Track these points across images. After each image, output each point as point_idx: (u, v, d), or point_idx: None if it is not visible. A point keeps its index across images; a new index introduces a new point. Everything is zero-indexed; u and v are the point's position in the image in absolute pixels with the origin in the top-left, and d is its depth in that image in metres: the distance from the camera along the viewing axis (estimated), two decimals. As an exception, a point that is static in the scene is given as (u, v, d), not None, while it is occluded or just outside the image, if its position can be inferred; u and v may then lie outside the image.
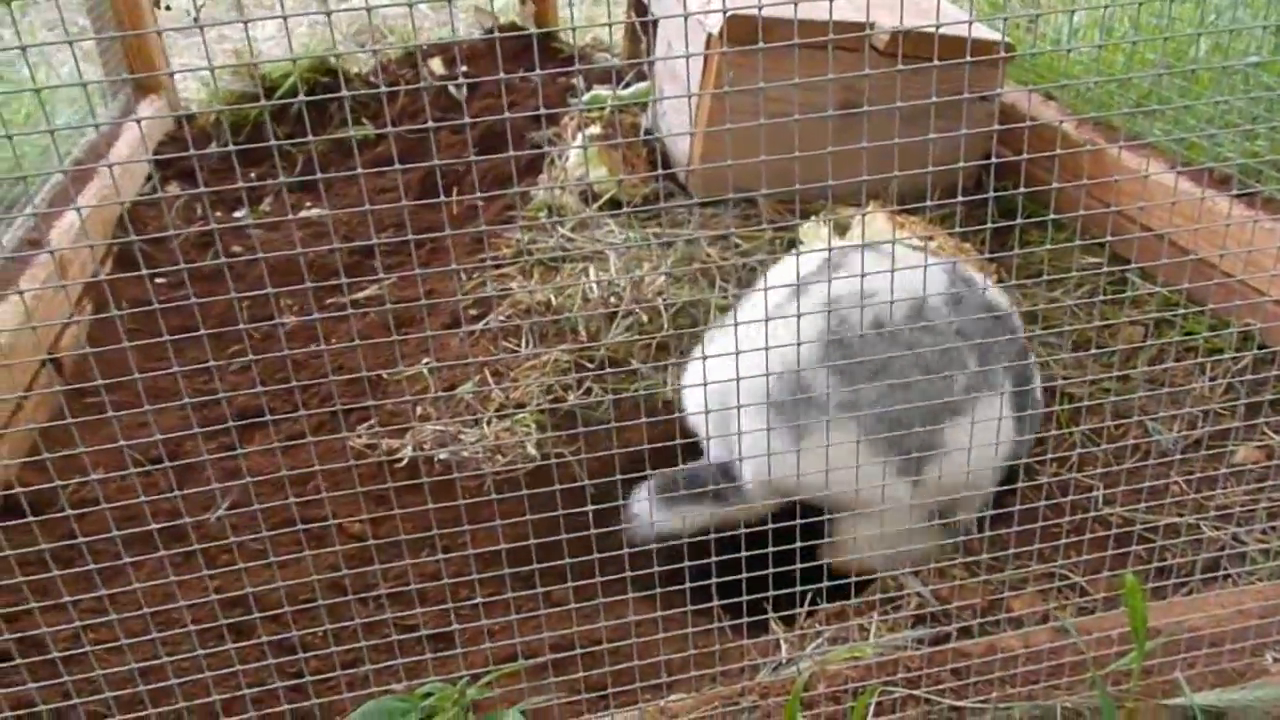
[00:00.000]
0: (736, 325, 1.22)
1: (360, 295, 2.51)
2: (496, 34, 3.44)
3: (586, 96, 3.10)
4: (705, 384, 1.28)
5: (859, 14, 1.52)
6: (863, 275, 1.24)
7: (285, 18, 1.01)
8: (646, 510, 1.65)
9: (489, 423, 2.00)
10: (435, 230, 2.70)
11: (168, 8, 3.32)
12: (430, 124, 1.02)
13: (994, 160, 1.35)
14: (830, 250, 1.66)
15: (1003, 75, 2.50)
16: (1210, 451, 1.82)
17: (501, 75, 1.01)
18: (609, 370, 2.09)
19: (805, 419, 1.54)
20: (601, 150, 2.71)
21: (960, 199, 1.18)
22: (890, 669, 1.39)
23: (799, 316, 1.26)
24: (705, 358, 1.71)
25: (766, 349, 1.22)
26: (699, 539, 1.58)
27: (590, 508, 1.21)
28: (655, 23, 3.01)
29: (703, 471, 1.72)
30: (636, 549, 1.53)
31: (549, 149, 2.88)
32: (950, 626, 1.52)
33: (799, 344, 1.27)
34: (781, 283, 1.64)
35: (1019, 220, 1.23)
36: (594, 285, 2.30)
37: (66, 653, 1.33)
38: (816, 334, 1.55)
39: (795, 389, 1.55)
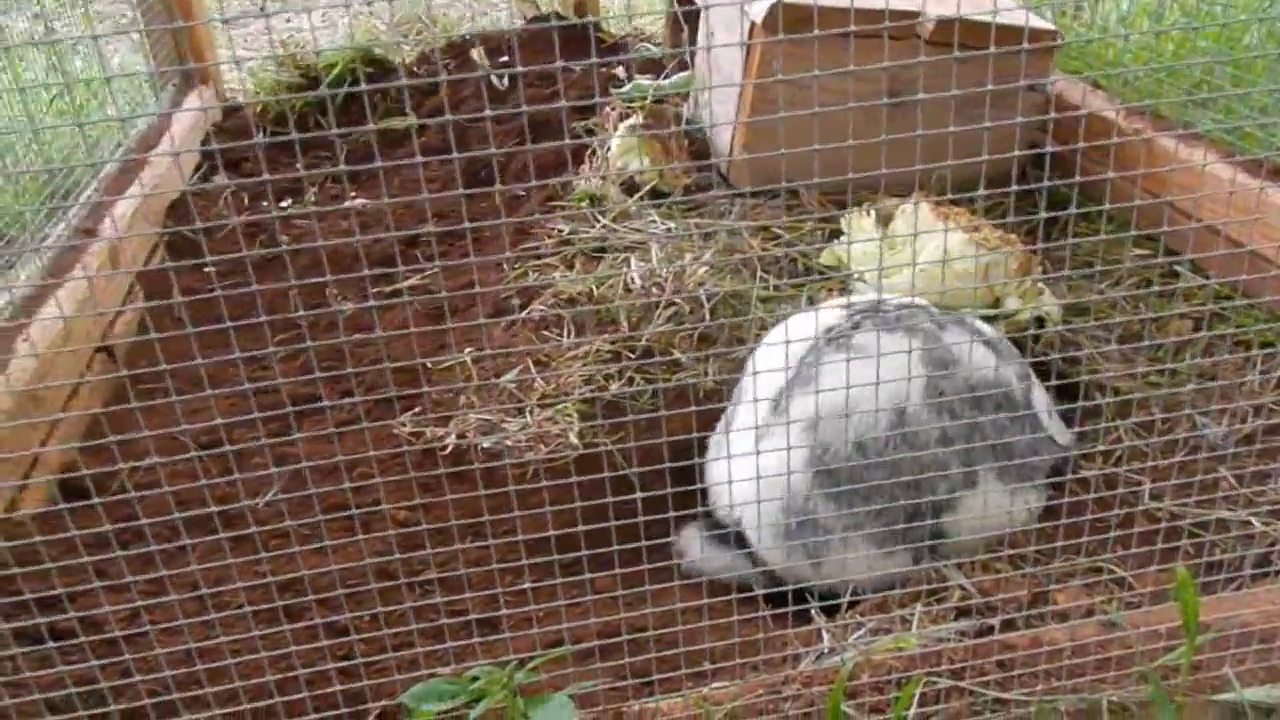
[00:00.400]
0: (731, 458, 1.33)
1: (404, 285, 2.54)
2: (551, 23, 3.46)
3: (628, 86, 3.10)
4: (731, 480, 1.36)
5: (904, 2, 1.51)
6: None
7: (347, 4, 1.03)
8: (693, 548, 1.72)
9: (531, 411, 2.01)
10: (477, 220, 2.72)
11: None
12: (488, 112, 1.04)
13: (1049, 149, 1.33)
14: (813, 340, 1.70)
15: (1053, 64, 2.46)
16: (1262, 447, 1.79)
17: (558, 63, 1.02)
18: (651, 360, 2.09)
19: (814, 538, 1.64)
20: (643, 140, 2.71)
21: (1013, 188, 1.17)
22: (934, 660, 1.39)
23: (788, 450, 1.36)
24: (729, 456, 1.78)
25: (759, 478, 1.33)
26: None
27: (639, 495, 1.22)
28: (697, 12, 3.00)
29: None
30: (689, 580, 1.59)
31: (590, 139, 2.89)
32: (994, 619, 1.51)
33: (788, 474, 1.42)
34: (766, 392, 1.71)
35: (1072, 210, 1.22)
36: (635, 276, 2.30)
37: (126, 632, 1.36)
38: (804, 464, 1.60)
39: (797, 513, 1.62)
